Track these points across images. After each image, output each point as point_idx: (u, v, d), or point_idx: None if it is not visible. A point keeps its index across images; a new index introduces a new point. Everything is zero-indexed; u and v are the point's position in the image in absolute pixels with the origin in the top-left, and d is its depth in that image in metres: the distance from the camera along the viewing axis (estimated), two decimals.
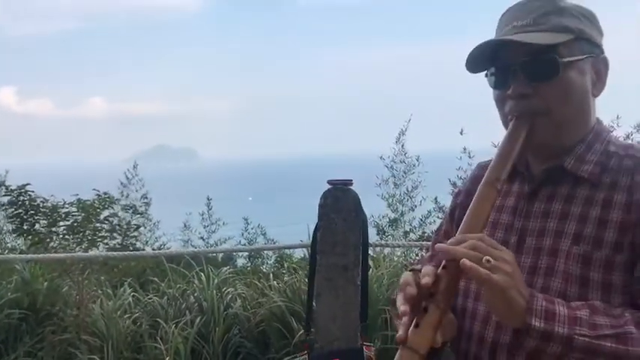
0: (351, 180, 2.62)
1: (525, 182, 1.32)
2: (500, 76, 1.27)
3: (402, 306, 1.10)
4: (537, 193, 1.29)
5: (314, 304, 2.67)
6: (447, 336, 1.21)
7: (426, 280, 1.08)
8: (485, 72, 1.30)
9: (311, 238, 2.69)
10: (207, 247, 8.66)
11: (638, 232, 1.15)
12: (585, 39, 1.24)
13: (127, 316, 4.62)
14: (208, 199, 9.87)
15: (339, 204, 2.59)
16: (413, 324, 1.07)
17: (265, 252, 8.20)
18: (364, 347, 2.43)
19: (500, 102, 1.29)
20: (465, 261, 1.04)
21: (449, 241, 1.12)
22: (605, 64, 1.28)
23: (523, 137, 1.23)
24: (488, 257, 1.05)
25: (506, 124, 1.28)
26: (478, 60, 1.27)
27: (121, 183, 9.08)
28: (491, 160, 1.29)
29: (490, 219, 1.27)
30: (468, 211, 1.18)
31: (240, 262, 8.59)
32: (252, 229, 9.61)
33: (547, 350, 1.07)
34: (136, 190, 9.08)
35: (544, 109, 1.22)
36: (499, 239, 1.27)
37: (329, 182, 2.63)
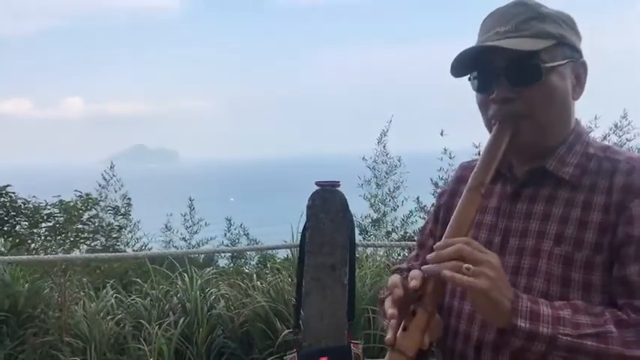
0: (339, 181, 2.68)
1: (508, 183, 1.35)
2: (484, 81, 1.29)
3: (390, 309, 1.12)
4: (520, 193, 1.31)
5: (302, 302, 2.72)
6: (433, 336, 1.23)
7: (413, 283, 1.11)
8: (469, 76, 1.32)
9: (299, 239, 2.72)
10: (189, 249, 8.63)
11: (617, 233, 1.18)
12: (566, 44, 1.27)
13: (109, 317, 4.59)
14: (190, 199, 9.85)
15: (327, 205, 2.64)
16: (401, 327, 1.09)
17: (248, 253, 8.20)
18: (352, 345, 2.47)
19: (483, 106, 1.31)
20: (446, 272, 1.07)
21: (436, 245, 1.15)
22: (585, 68, 1.32)
23: (506, 142, 1.25)
24: (467, 265, 1.07)
25: (489, 127, 1.30)
26: (462, 64, 1.29)
27: (99, 185, 9.00)
28: (473, 161, 1.32)
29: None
30: (453, 216, 1.20)
31: (222, 262, 8.57)
32: (234, 229, 9.60)
33: (532, 349, 1.10)
34: (115, 191, 9.01)
35: (527, 113, 1.25)
36: (483, 239, 1.31)
37: (317, 184, 2.68)
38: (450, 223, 1.20)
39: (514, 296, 1.11)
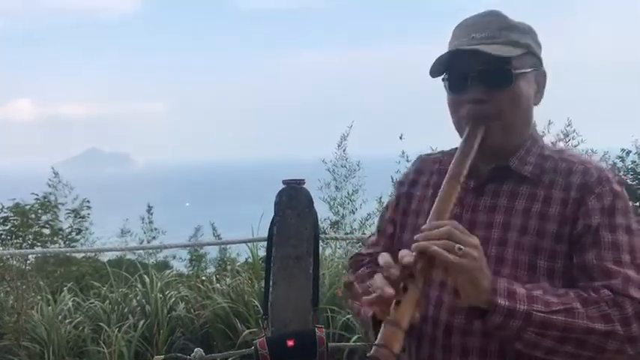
0: (304, 179, 2.87)
1: (471, 179, 1.44)
2: (457, 82, 1.39)
3: (386, 287, 1.16)
4: (483, 189, 1.43)
5: (270, 291, 2.86)
6: (421, 312, 1.29)
7: (407, 259, 1.18)
8: (442, 76, 1.42)
9: (260, 235, 2.82)
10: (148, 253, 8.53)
11: (577, 225, 1.31)
12: (532, 53, 1.40)
13: (67, 321, 4.56)
14: (149, 206, 9.77)
15: (293, 201, 2.82)
16: (394, 302, 1.16)
17: (208, 258, 8.18)
18: (316, 329, 2.60)
19: (455, 105, 1.41)
20: (437, 248, 1.16)
21: (423, 227, 1.23)
22: (544, 77, 1.45)
23: (480, 137, 1.37)
24: (459, 245, 1.17)
25: (458, 126, 1.42)
26: (439, 65, 1.39)
27: (45, 192, 8.75)
28: (431, 154, 1.50)
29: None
30: (436, 202, 1.30)
31: (180, 268, 8.52)
32: (201, 235, 9.53)
33: (509, 325, 1.19)
34: (65, 196, 8.82)
35: (497, 114, 1.36)
36: None
37: (284, 182, 2.87)
38: (432, 209, 1.29)
39: (492, 277, 1.21)
